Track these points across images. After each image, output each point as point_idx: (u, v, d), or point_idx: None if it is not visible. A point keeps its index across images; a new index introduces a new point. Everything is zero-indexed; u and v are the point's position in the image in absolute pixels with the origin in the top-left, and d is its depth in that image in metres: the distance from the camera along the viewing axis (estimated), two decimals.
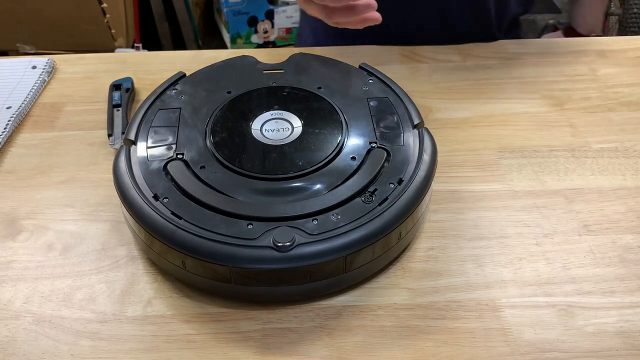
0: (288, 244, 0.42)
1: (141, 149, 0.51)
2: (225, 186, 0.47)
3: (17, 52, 1.97)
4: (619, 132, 0.64)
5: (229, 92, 0.57)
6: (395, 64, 0.76)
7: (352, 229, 0.44)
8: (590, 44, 0.80)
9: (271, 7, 2.20)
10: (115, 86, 0.69)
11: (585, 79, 0.73)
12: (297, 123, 0.54)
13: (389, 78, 0.60)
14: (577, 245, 0.51)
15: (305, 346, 0.44)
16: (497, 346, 0.43)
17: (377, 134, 0.53)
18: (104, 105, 0.68)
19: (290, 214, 0.45)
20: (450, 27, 0.83)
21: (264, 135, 0.52)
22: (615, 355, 0.43)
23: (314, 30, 0.89)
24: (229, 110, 0.55)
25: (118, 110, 0.66)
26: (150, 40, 2.16)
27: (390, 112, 0.55)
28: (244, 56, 0.63)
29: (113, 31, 1.97)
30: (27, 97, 0.68)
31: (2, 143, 0.62)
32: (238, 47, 2.21)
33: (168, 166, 0.49)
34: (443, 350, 0.43)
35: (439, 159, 0.52)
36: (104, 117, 0.66)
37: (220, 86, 0.58)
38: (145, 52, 1.52)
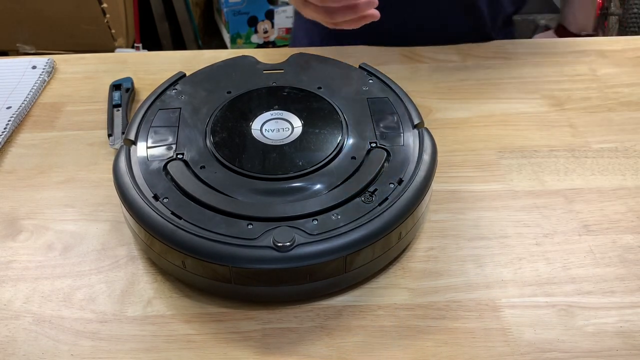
0: (288, 244, 0.42)
1: (141, 149, 0.51)
2: (225, 186, 0.47)
3: (17, 52, 1.97)
4: (619, 132, 0.64)
5: (229, 92, 0.57)
6: (395, 64, 0.76)
7: (352, 229, 0.44)
8: (590, 44, 0.80)
9: (271, 7, 2.20)
10: (115, 86, 0.69)
11: (585, 79, 0.73)
12: (297, 123, 0.54)
13: (389, 78, 0.60)
14: (577, 245, 0.51)
15: (305, 346, 0.44)
16: (497, 346, 0.43)
17: (377, 134, 0.53)
18: (104, 105, 0.68)
19: (290, 214, 0.45)
20: (443, 27, 0.83)
21: (264, 135, 0.52)
22: (615, 355, 0.43)
23: (308, 32, 0.89)
24: (229, 110, 0.55)
25: (118, 110, 0.66)
26: (150, 40, 2.16)
27: (390, 112, 0.55)
28: (244, 56, 0.63)
29: (113, 31, 1.97)
30: (27, 97, 0.68)
31: (2, 143, 0.62)
32: (238, 47, 2.21)
33: (168, 166, 0.49)
34: (443, 350, 0.43)
35: (439, 159, 0.52)
36: (104, 117, 0.66)
37: (220, 86, 0.58)
38: (145, 52, 1.52)
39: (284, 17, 2.23)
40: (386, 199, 0.46)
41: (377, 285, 0.48)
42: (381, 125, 0.54)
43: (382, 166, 0.49)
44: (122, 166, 0.49)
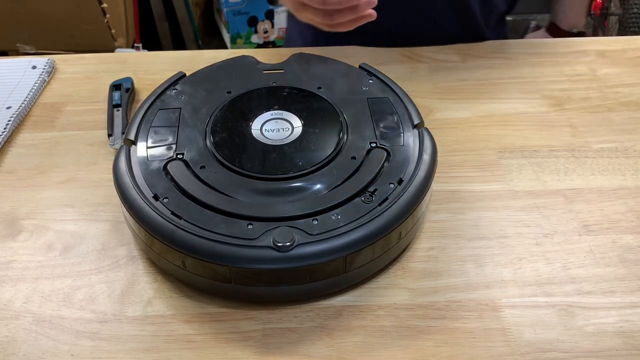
0: (288, 244, 0.42)
1: (141, 149, 0.51)
2: (225, 186, 0.47)
3: (17, 52, 1.97)
4: (619, 132, 0.64)
5: (229, 92, 0.57)
6: (395, 64, 0.76)
7: (352, 229, 0.44)
8: (590, 44, 0.80)
9: (271, 7, 2.20)
10: (115, 86, 0.69)
11: (585, 79, 0.73)
12: (297, 123, 0.54)
13: (389, 78, 0.60)
14: (577, 245, 0.51)
15: (305, 346, 0.44)
16: (497, 346, 0.43)
17: (377, 134, 0.53)
18: (104, 105, 0.68)
19: (290, 214, 0.45)
20: (436, 27, 0.83)
21: (264, 135, 0.52)
22: (615, 355, 0.43)
23: (302, 34, 0.89)
24: (229, 110, 0.55)
25: (118, 110, 0.66)
26: (150, 40, 2.16)
27: (390, 112, 0.55)
28: (244, 56, 0.64)
29: (113, 31, 1.97)
30: (27, 97, 0.68)
31: (2, 143, 0.62)
32: (238, 47, 2.21)
33: (168, 166, 0.49)
34: (443, 350, 0.43)
35: (439, 159, 0.52)
36: (104, 117, 0.66)
37: (220, 86, 0.58)
38: (145, 52, 1.52)
39: (284, 17, 2.23)
40: (386, 199, 0.46)
41: (377, 285, 0.48)
42: (381, 125, 0.54)
43: (382, 166, 0.49)
44: (122, 166, 0.49)
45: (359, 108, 0.56)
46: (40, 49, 1.94)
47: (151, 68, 0.75)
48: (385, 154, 0.50)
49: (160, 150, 0.51)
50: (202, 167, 0.49)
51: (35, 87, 0.70)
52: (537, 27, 1.02)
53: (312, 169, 0.49)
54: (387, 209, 0.45)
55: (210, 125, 0.53)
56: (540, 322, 0.45)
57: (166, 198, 0.46)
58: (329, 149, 0.51)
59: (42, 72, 0.73)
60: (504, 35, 0.92)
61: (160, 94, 0.57)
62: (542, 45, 0.80)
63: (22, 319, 0.45)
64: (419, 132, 0.53)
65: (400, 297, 0.47)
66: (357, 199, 0.46)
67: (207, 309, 0.46)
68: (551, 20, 0.96)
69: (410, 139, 0.52)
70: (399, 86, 0.59)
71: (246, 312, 0.46)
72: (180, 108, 0.55)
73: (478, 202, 0.56)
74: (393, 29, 0.80)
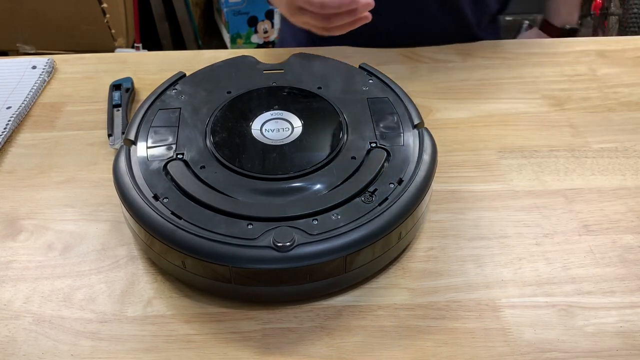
0: (288, 244, 0.42)
1: (141, 149, 0.51)
2: (225, 186, 0.47)
3: (17, 52, 1.97)
4: (619, 132, 0.64)
5: (229, 92, 0.57)
6: (395, 64, 0.76)
7: (352, 229, 0.44)
8: (590, 44, 0.80)
9: (271, 7, 2.20)
10: (115, 86, 0.69)
11: (585, 79, 0.73)
12: (297, 123, 0.54)
13: (389, 78, 0.60)
14: (577, 245, 0.51)
15: (305, 346, 0.44)
16: (497, 346, 0.43)
17: (377, 134, 0.53)
18: (104, 105, 0.68)
19: (290, 214, 0.45)
20: (428, 28, 0.83)
21: (264, 135, 0.52)
22: (615, 355, 0.43)
23: (296, 37, 0.89)
24: (229, 110, 0.55)
25: (118, 110, 0.66)
26: (150, 40, 2.16)
27: (390, 112, 0.55)
28: (244, 56, 0.64)
29: (113, 31, 1.97)
30: (27, 97, 0.68)
31: (2, 143, 0.62)
32: (238, 47, 2.21)
33: (168, 166, 0.49)
34: (443, 350, 0.43)
35: (439, 159, 0.52)
36: (104, 117, 0.66)
37: (220, 86, 0.58)
38: (145, 52, 1.52)
39: None
40: (386, 199, 0.46)
41: (377, 285, 0.48)
42: (381, 125, 0.54)
43: (382, 166, 0.49)
44: (122, 166, 0.49)
45: (359, 108, 0.56)
46: (40, 49, 1.94)
47: (151, 68, 0.75)
48: (385, 154, 0.50)
49: (160, 150, 0.51)
50: (202, 167, 0.49)
51: (35, 87, 0.70)
52: (530, 26, 1.02)
53: (312, 169, 0.49)
54: (387, 209, 0.45)
55: (210, 125, 0.53)
56: (540, 322, 0.45)
57: (166, 198, 0.46)
58: (329, 149, 0.51)
59: (42, 72, 0.73)
60: (497, 35, 0.92)
61: (160, 94, 0.57)
62: (542, 45, 0.80)
63: (22, 319, 0.45)
64: (419, 132, 0.53)
65: (400, 297, 0.47)
66: (357, 199, 0.46)
67: (207, 309, 0.46)
68: (544, 18, 0.97)
69: (410, 139, 0.52)
70: (399, 86, 0.59)
71: (246, 312, 0.46)
72: (180, 108, 0.55)
73: (478, 202, 0.56)
74: (385, 31, 0.79)
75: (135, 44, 2.05)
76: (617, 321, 0.45)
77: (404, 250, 0.50)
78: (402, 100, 0.57)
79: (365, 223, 0.44)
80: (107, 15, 1.92)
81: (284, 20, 0.93)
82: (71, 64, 0.76)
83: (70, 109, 0.68)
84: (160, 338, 0.44)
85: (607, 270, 0.49)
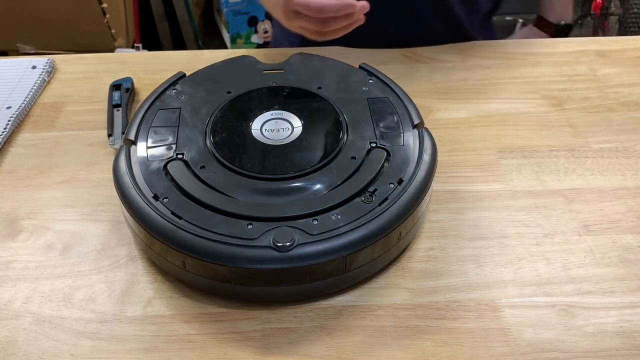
0: (288, 244, 0.42)
1: (141, 149, 0.51)
2: (225, 186, 0.47)
3: (17, 52, 1.97)
4: (619, 132, 0.64)
5: (229, 92, 0.57)
6: (395, 64, 0.76)
7: (352, 229, 0.44)
8: (590, 44, 0.80)
9: None
10: (115, 86, 0.69)
11: (585, 79, 0.73)
12: (297, 123, 0.54)
13: (389, 78, 0.60)
14: (577, 245, 0.51)
15: (305, 346, 0.44)
16: (497, 346, 0.43)
17: (377, 134, 0.53)
18: (104, 105, 0.68)
19: (290, 214, 0.45)
20: (418, 29, 0.83)
21: (264, 135, 0.52)
22: (615, 355, 0.43)
23: (289, 38, 0.89)
24: (229, 110, 0.55)
25: (118, 110, 0.66)
26: (150, 40, 2.16)
27: (390, 112, 0.55)
28: (244, 56, 0.64)
29: (113, 31, 1.97)
30: (27, 97, 0.68)
31: (2, 143, 0.62)
32: (238, 47, 2.21)
33: (168, 166, 0.49)
34: (443, 350, 0.43)
35: (439, 159, 0.52)
36: (104, 117, 0.66)
37: (220, 86, 0.58)
38: (145, 52, 1.52)
39: None
40: (386, 199, 0.46)
41: (377, 285, 0.48)
42: (381, 125, 0.54)
43: (382, 166, 0.49)
44: (122, 166, 0.49)
45: (359, 108, 0.56)
46: (40, 49, 1.94)
47: (151, 68, 0.75)
48: (385, 154, 0.50)
49: (160, 150, 0.51)
50: (202, 167, 0.49)
51: (35, 87, 0.70)
52: (524, 25, 1.02)
53: (312, 169, 0.49)
54: (387, 209, 0.45)
55: (210, 125, 0.53)
56: (540, 322, 0.45)
57: (166, 198, 0.46)
58: (329, 149, 0.51)
59: (42, 72, 0.73)
60: (491, 35, 0.92)
61: (160, 94, 0.57)
62: (542, 45, 0.80)
63: (22, 319, 0.45)
64: (419, 132, 0.53)
65: (400, 297, 0.47)
66: (357, 199, 0.46)
67: (207, 309, 0.46)
68: (538, 14, 0.97)
69: (410, 139, 0.52)
70: (399, 86, 0.59)
71: (246, 312, 0.46)
72: (180, 108, 0.55)
73: (478, 202, 0.56)
74: (377, 33, 0.79)
75: (135, 44, 2.05)
76: (617, 321, 0.45)
77: (404, 250, 0.50)
78: (402, 100, 0.57)
79: (365, 223, 0.44)
80: (107, 15, 1.92)
81: (276, 22, 0.93)
82: (71, 64, 0.76)
83: (70, 109, 0.68)
84: (160, 338, 0.44)
85: (607, 270, 0.49)
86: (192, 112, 0.55)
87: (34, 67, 0.73)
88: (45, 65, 0.74)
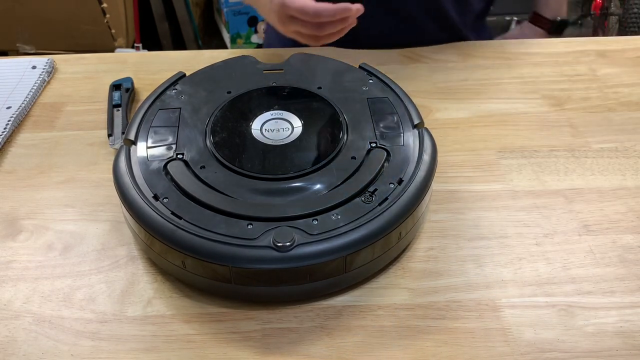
0: (288, 244, 0.42)
1: (141, 149, 0.51)
2: (225, 186, 0.47)
3: (17, 52, 1.97)
4: (619, 132, 0.64)
5: (229, 92, 0.57)
6: (395, 64, 0.76)
7: (352, 229, 0.44)
8: (590, 44, 0.80)
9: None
10: (115, 86, 0.69)
11: (585, 79, 0.73)
12: (297, 123, 0.54)
13: (389, 78, 0.60)
14: (577, 245, 0.51)
15: (305, 346, 0.44)
16: (497, 346, 0.43)
17: (377, 134, 0.53)
18: (104, 105, 0.68)
19: (290, 214, 0.45)
20: (410, 29, 0.83)
21: (264, 135, 0.52)
22: (615, 355, 0.43)
23: (281, 40, 0.89)
24: (229, 110, 0.55)
25: (118, 110, 0.66)
26: (150, 40, 2.16)
27: (390, 112, 0.55)
28: (244, 56, 0.63)
29: (113, 31, 1.97)
30: (27, 97, 0.68)
31: (2, 143, 0.62)
32: (238, 47, 2.21)
33: (168, 166, 0.49)
34: (443, 350, 0.43)
35: (439, 159, 0.52)
36: (104, 117, 0.66)
37: (220, 86, 0.58)
38: (145, 52, 1.51)
39: None
40: (386, 199, 0.46)
41: (377, 285, 0.48)
42: (381, 125, 0.54)
43: (382, 166, 0.49)
44: (122, 166, 0.49)
45: (359, 108, 0.56)
46: (40, 49, 1.94)
47: (151, 68, 0.75)
48: (385, 154, 0.50)
49: (160, 150, 0.51)
50: (202, 167, 0.49)
51: (35, 87, 0.70)
52: (519, 22, 1.02)
53: (312, 169, 0.49)
54: (387, 209, 0.45)
55: (210, 125, 0.53)
56: (540, 322, 0.45)
57: (166, 198, 0.46)
58: (329, 149, 0.51)
59: (42, 72, 0.73)
60: (485, 35, 0.93)
61: (160, 94, 0.57)
62: (542, 45, 0.80)
63: (22, 319, 0.45)
64: (419, 132, 0.53)
65: (400, 297, 0.47)
66: (357, 199, 0.46)
67: (207, 309, 0.46)
68: (533, 10, 0.97)
69: (410, 139, 0.52)
70: (399, 86, 0.59)
71: (246, 312, 0.46)
72: (180, 108, 0.55)
73: (478, 202, 0.56)
74: (371, 35, 0.79)
75: (135, 44, 2.05)
76: (617, 321, 0.45)
77: (404, 250, 0.50)
78: (402, 100, 0.57)
79: (365, 223, 0.44)
80: (107, 15, 1.93)
81: (268, 30, 0.93)
82: (71, 64, 0.76)
83: (70, 109, 0.68)
84: (160, 338, 0.44)
85: (607, 270, 0.49)
86: (192, 112, 0.55)
87: (34, 67, 0.73)
88: (45, 65, 0.74)
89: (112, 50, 1.92)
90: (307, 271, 0.44)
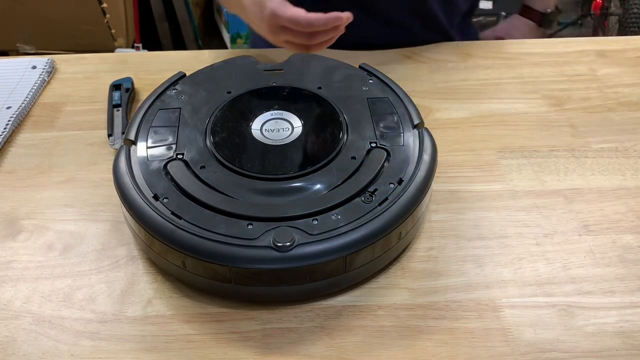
0: (288, 244, 0.42)
1: (141, 149, 0.51)
2: (225, 186, 0.47)
3: (17, 52, 1.97)
4: (619, 132, 0.64)
5: (229, 92, 0.57)
6: (395, 64, 0.76)
7: (352, 229, 0.44)
8: (590, 44, 0.80)
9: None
10: (115, 86, 0.69)
11: (585, 79, 0.73)
12: (297, 123, 0.54)
13: (389, 78, 0.60)
14: (577, 245, 0.51)
15: (305, 346, 0.44)
16: (497, 346, 0.43)
17: (377, 134, 0.53)
18: (104, 105, 0.68)
19: (290, 214, 0.45)
20: (398, 31, 0.82)
21: (264, 135, 0.52)
22: (615, 355, 0.43)
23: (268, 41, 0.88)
24: (229, 110, 0.55)
25: (118, 110, 0.66)
26: (150, 40, 2.16)
27: (390, 112, 0.55)
28: (244, 56, 0.64)
29: (113, 31, 1.97)
30: (27, 97, 0.68)
31: (2, 143, 0.62)
32: (238, 47, 2.21)
33: (168, 166, 0.49)
34: (443, 350, 0.43)
35: (439, 159, 0.52)
36: (104, 117, 0.66)
37: (220, 86, 0.58)
38: (145, 52, 1.52)
39: None
40: (386, 199, 0.46)
41: (377, 285, 0.48)
42: (381, 125, 0.54)
43: (382, 166, 0.49)
44: (122, 166, 0.49)
45: (359, 108, 0.56)
46: (40, 49, 1.94)
47: (151, 68, 0.75)
48: (385, 154, 0.50)
49: (160, 150, 0.51)
50: (202, 167, 0.49)
51: (35, 87, 0.70)
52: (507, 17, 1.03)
53: (312, 169, 0.49)
54: (387, 209, 0.45)
55: (210, 125, 0.53)
56: (540, 322, 0.45)
57: (166, 198, 0.46)
58: (329, 149, 0.51)
59: (42, 72, 0.73)
60: (470, 35, 0.93)
61: (160, 94, 0.57)
62: (542, 45, 0.80)
63: (22, 319, 0.45)
64: (419, 132, 0.53)
65: (400, 297, 0.47)
66: (357, 199, 0.46)
67: (207, 309, 0.46)
68: (523, 3, 0.97)
69: (410, 139, 0.52)
70: (399, 86, 0.59)
71: (246, 312, 0.46)
72: (180, 108, 0.55)
73: (478, 202, 0.56)
74: (354, 41, 0.78)
75: (135, 44, 2.05)
76: (617, 321, 0.45)
77: (404, 250, 0.50)
78: (402, 100, 0.57)
79: (365, 223, 0.44)
80: (107, 15, 1.93)
81: (253, 37, 0.93)
82: (71, 64, 0.76)
83: (70, 109, 0.68)
84: (160, 338, 0.44)
85: (607, 270, 0.49)
86: (192, 112, 0.55)
87: (34, 67, 0.73)
88: (45, 65, 0.74)
89: (112, 50, 1.92)
90: (307, 271, 0.44)
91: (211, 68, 0.61)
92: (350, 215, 0.45)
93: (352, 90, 0.58)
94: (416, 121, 0.54)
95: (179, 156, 0.50)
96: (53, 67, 0.75)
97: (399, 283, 0.48)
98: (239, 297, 0.47)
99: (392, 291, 0.48)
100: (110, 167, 0.50)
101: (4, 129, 0.63)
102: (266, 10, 0.59)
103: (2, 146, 0.62)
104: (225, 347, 0.44)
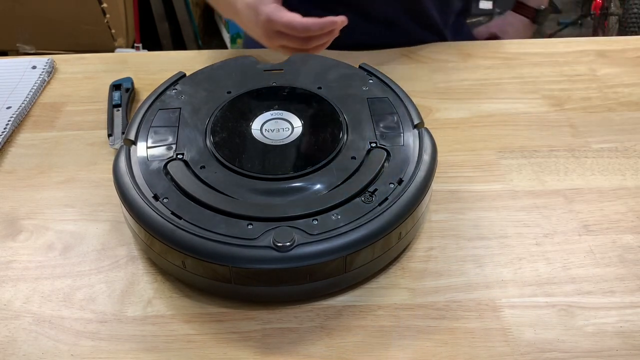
0: (288, 244, 0.42)
1: (141, 149, 0.51)
2: (225, 186, 0.47)
3: (17, 52, 1.97)
4: (619, 132, 0.64)
5: (229, 92, 0.57)
6: (395, 64, 0.76)
7: (352, 229, 0.44)
8: (590, 44, 0.80)
9: None
10: (115, 86, 0.69)
11: (585, 79, 0.73)
12: (297, 123, 0.54)
13: (389, 78, 0.60)
14: (577, 245, 0.51)
15: (305, 346, 0.44)
16: (497, 346, 0.43)
17: (377, 134, 0.53)
18: (104, 105, 0.68)
19: (290, 214, 0.45)
20: (393, 31, 0.82)
21: (264, 135, 0.52)
22: (615, 355, 0.43)
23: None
24: (229, 110, 0.55)
25: (118, 110, 0.66)
26: (150, 40, 2.16)
27: (390, 112, 0.55)
28: (244, 56, 0.63)
29: (113, 31, 1.97)
30: (27, 97, 0.68)
31: (2, 143, 0.62)
32: (238, 47, 2.21)
33: (168, 166, 0.49)
34: (443, 350, 0.43)
35: (439, 159, 0.52)
36: (104, 117, 0.66)
37: (220, 86, 0.58)
38: (145, 52, 1.52)
39: None
40: (386, 199, 0.46)
41: (377, 285, 0.48)
42: (381, 125, 0.54)
43: (382, 166, 0.49)
44: (122, 166, 0.49)
45: (359, 108, 0.56)
46: (40, 49, 1.95)
47: (151, 68, 0.75)
48: (385, 154, 0.50)
49: (160, 150, 0.51)
50: (202, 167, 0.49)
51: (35, 87, 0.70)
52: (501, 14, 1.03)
53: (312, 169, 0.49)
54: (387, 209, 0.45)
55: (210, 125, 0.53)
56: (540, 322, 0.45)
57: (166, 198, 0.46)
58: (329, 149, 0.51)
59: (42, 72, 0.73)
60: (464, 35, 0.93)
61: (160, 94, 0.57)
62: (542, 45, 0.80)
63: (22, 319, 0.45)
64: (419, 132, 0.53)
65: (400, 297, 0.47)
66: (357, 199, 0.46)
67: (207, 309, 0.46)
68: (517, 1, 0.97)
69: (410, 139, 0.52)
70: (399, 86, 0.59)
71: (246, 312, 0.46)
72: (180, 108, 0.55)
73: (478, 202, 0.56)
74: (347, 42, 0.78)
75: (135, 44, 2.06)
76: (617, 321, 0.45)
77: (404, 250, 0.50)
78: (402, 100, 0.57)
79: (365, 223, 0.44)
80: (107, 15, 1.93)
81: (246, 40, 0.93)
82: (71, 64, 0.76)
83: (70, 109, 0.68)
84: (160, 338, 0.44)
85: (607, 270, 0.49)
86: (192, 112, 0.55)
87: (34, 67, 0.73)
88: (45, 65, 0.74)
89: (112, 50, 1.92)
90: (307, 271, 0.44)
91: (211, 68, 0.61)
92: (350, 215, 0.45)
93: (352, 90, 0.58)
94: (416, 121, 0.54)
95: (179, 156, 0.50)
96: (53, 67, 0.75)
97: (399, 283, 0.48)
98: (239, 297, 0.47)
99: (392, 291, 0.48)
100: (110, 167, 0.50)
101: (4, 129, 0.63)
102: (261, 15, 0.59)
103: (2, 146, 0.62)
104: (225, 347, 0.44)
